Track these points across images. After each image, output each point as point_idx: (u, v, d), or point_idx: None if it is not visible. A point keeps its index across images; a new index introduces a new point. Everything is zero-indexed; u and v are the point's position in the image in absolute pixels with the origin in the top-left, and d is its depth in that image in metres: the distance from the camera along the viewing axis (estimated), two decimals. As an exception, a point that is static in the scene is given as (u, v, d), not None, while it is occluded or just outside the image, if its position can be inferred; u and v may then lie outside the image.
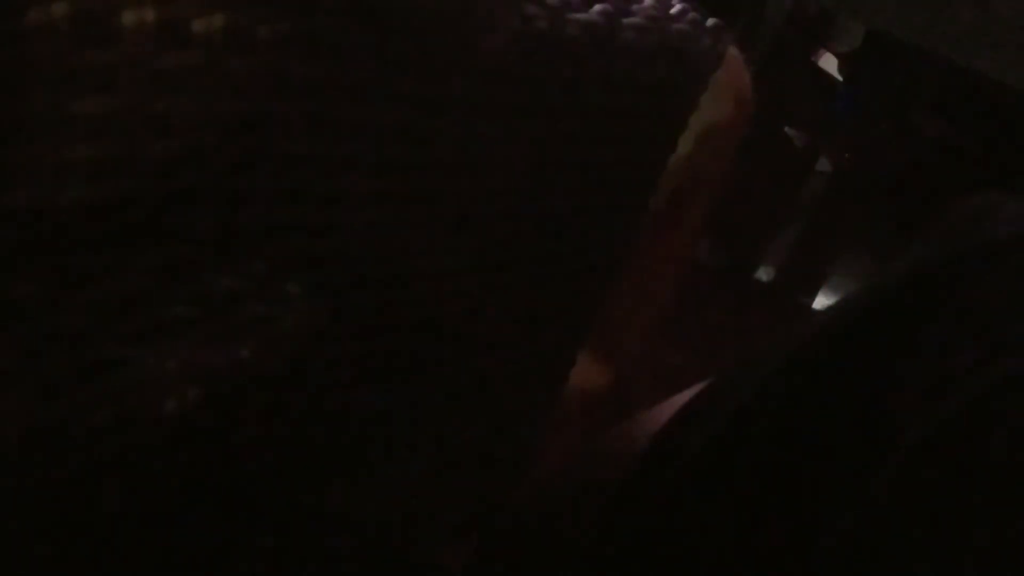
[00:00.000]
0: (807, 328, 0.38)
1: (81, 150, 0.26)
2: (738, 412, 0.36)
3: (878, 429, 0.31)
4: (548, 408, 0.52)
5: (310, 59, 0.30)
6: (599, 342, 0.55)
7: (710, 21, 0.46)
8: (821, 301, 2.05)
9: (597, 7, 0.40)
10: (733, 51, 0.52)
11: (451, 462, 0.45)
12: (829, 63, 1.83)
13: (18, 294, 0.23)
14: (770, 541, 0.31)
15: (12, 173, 0.24)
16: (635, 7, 0.42)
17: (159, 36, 0.26)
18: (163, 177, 0.27)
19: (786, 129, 1.86)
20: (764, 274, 2.04)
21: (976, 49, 1.36)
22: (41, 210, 0.25)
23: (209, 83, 0.28)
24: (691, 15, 0.45)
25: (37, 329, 0.23)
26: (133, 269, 0.26)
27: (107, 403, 0.24)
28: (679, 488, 0.37)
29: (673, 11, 0.44)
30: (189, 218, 0.27)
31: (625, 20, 0.41)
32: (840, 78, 1.82)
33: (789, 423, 0.33)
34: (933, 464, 0.29)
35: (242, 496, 0.31)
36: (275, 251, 0.29)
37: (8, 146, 0.24)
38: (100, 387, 0.24)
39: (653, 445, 0.41)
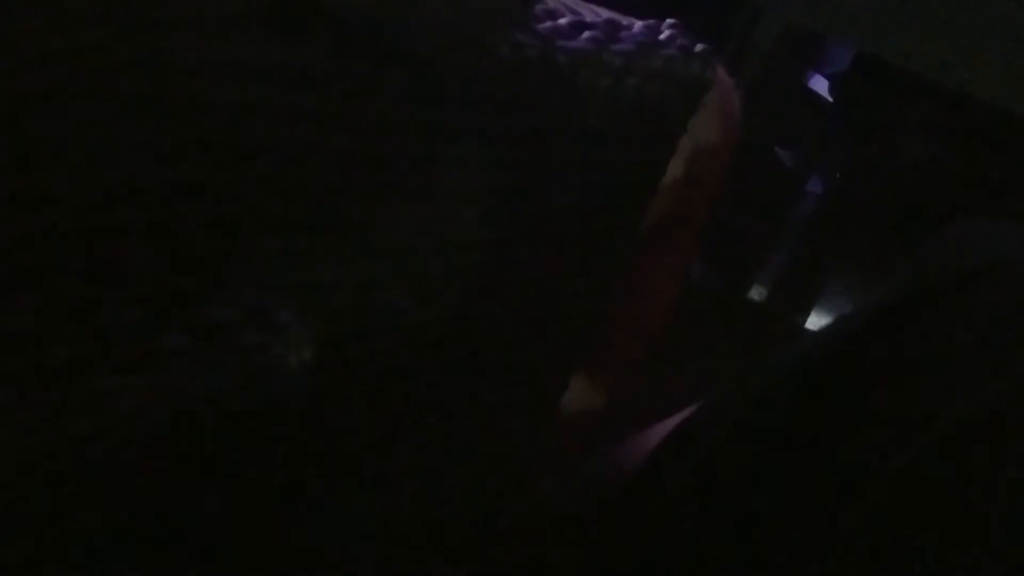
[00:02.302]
0: (790, 354, 0.38)
1: (75, 179, 0.26)
2: (724, 437, 0.37)
3: (854, 462, 0.31)
4: (540, 432, 0.52)
5: (303, 89, 0.30)
6: (591, 365, 0.55)
7: (699, 47, 0.47)
8: (815, 320, 2.06)
9: (586, 34, 0.40)
10: (722, 75, 0.52)
11: (444, 486, 0.45)
12: (819, 84, 1.84)
13: (11, 326, 0.23)
14: (755, 560, 0.32)
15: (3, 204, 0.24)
16: (624, 34, 0.43)
17: (150, 67, 0.26)
18: (158, 207, 0.27)
19: (777, 150, 1.87)
20: (757, 294, 2.05)
21: (966, 71, 1.37)
22: (32, 240, 0.25)
23: (203, 113, 0.28)
24: (680, 41, 0.45)
25: (29, 361, 0.24)
26: (126, 299, 0.26)
27: (98, 434, 0.24)
28: (666, 510, 0.37)
29: (662, 37, 0.45)
30: (182, 247, 0.28)
31: (614, 47, 0.41)
32: (830, 99, 1.83)
33: (771, 451, 0.34)
34: (909, 497, 0.29)
35: (233, 525, 0.31)
36: (267, 280, 0.30)
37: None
38: (92, 418, 0.24)
39: (642, 468, 0.41)
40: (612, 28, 0.42)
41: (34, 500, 0.24)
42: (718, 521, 0.34)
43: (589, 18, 0.42)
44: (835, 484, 0.31)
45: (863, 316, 0.35)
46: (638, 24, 0.45)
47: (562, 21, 0.40)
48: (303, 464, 0.34)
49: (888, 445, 0.31)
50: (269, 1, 0.29)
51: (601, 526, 0.43)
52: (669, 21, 0.46)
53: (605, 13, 0.45)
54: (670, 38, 0.45)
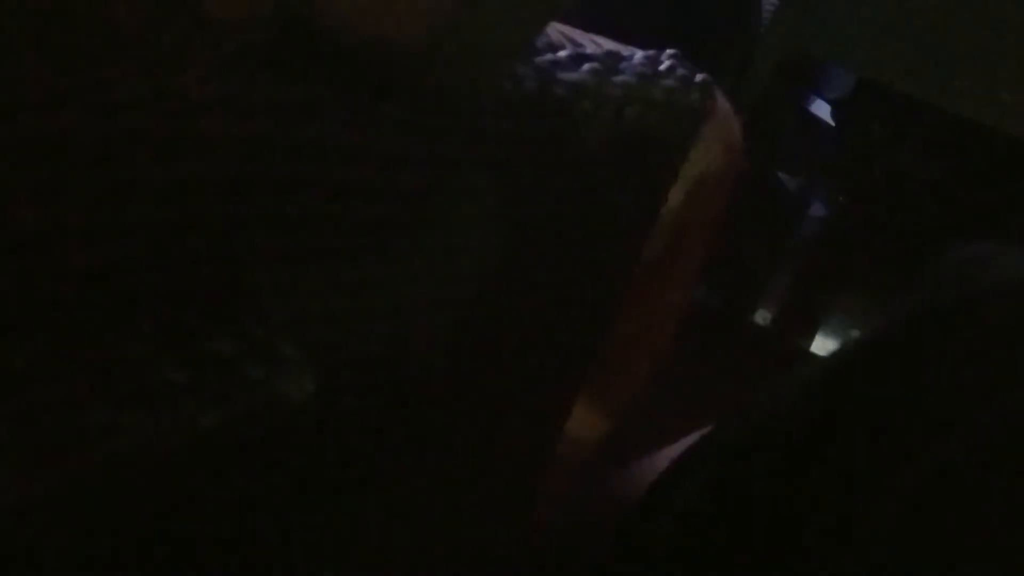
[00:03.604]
0: (802, 377, 0.38)
1: (78, 215, 0.26)
2: (734, 460, 0.37)
3: (869, 481, 0.31)
4: (543, 459, 0.52)
5: (304, 123, 0.30)
6: (594, 391, 0.55)
7: (699, 76, 0.47)
8: (819, 344, 2.05)
9: (586, 66, 0.41)
10: (723, 102, 0.52)
11: (446, 517, 0.45)
12: (821, 109, 1.85)
13: (14, 362, 0.24)
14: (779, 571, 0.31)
15: (5, 243, 0.24)
16: (624, 65, 0.43)
17: (152, 105, 0.27)
18: (160, 241, 0.28)
19: (779, 174, 1.88)
20: (761, 317, 2.04)
21: (966, 94, 1.37)
22: (34, 276, 0.25)
23: (205, 148, 0.28)
24: (680, 71, 0.46)
25: (31, 397, 0.24)
26: (129, 334, 0.26)
27: (100, 470, 0.24)
28: (675, 535, 0.37)
29: (662, 68, 0.45)
30: (186, 282, 0.28)
31: (614, 79, 0.41)
32: (832, 123, 1.84)
33: (783, 474, 0.34)
34: (931, 511, 0.29)
35: (236, 560, 0.31)
36: (270, 313, 0.30)
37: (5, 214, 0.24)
38: (93, 453, 0.24)
39: (656, 488, 0.41)
40: (612, 59, 0.42)
41: (37, 536, 0.24)
42: (740, 536, 0.34)
43: (590, 49, 0.42)
44: (857, 498, 0.31)
45: (875, 335, 0.35)
46: (638, 54, 0.45)
47: (562, 53, 0.40)
48: (306, 497, 0.35)
49: (905, 459, 0.31)
50: (269, 37, 0.29)
51: (607, 550, 0.43)
52: (669, 51, 0.47)
53: (606, 44, 0.46)
54: (670, 68, 0.46)
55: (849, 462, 0.32)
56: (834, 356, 0.37)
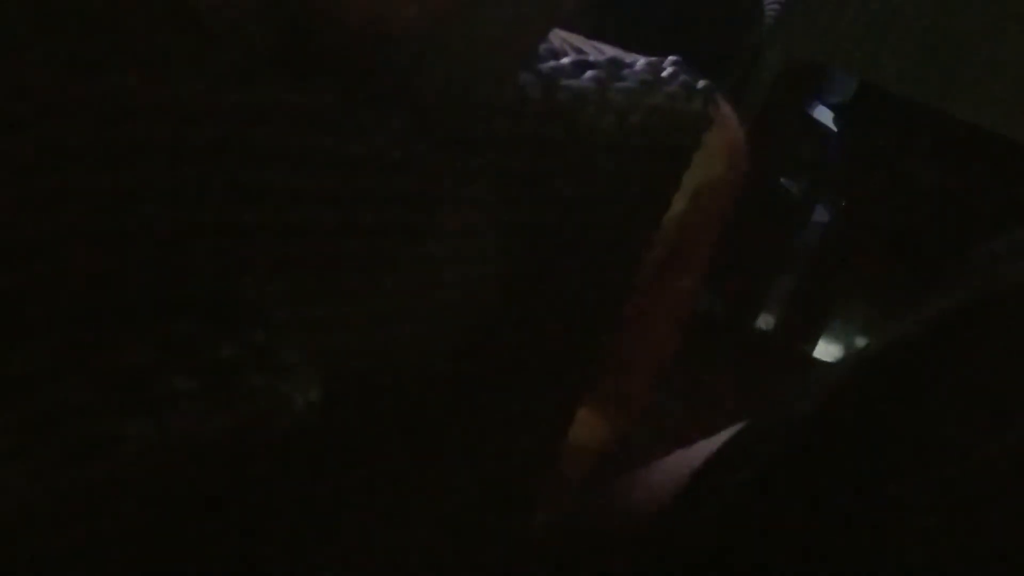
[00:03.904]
0: (838, 370, 0.38)
1: (84, 224, 0.26)
2: (786, 444, 0.36)
3: (923, 463, 0.31)
4: (547, 465, 0.52)
5: (309, 131, 0.31)
6: (598, 397, 0.55)
7: (701, 83, 0.47)
8: (822, 349, 2.05)
9: (589, 73, 0.41)
10: (726, 108, 0.52)
11: (450, 521, 0.45)
12: (823, 114, 1.85)
13: (21, 370, 0.24)
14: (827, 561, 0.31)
15: (14, 251, 0.24)
16: (627, 72, 0.43)
17: (155, 112, 0.27)
18: (165, 249, 0.28)
19: (782, 179, 1.88)
20: (764, 323, 2.05)
21: (969, 100, 1.38)
22: (40, 284, 0.25)
23: (211, 155, 0.28)
24: (682, 78, 0.46)
25: (38, 405, 0.24)
26: (136, 342, 0.26)
27: (105, 477, 0.24)
28: (726, 519, 0.36)
29: (664, 74, 0.45)
30: (192, 289, 0.28)
31: (617, 85, 0.42)
32: (835, 129, 1.84)
33: (836, 455, 0.33)
34: (984, 498, 0.29)
35: (240, 567, 0.31)
36: (274, 321, 0.30)
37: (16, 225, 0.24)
38: (99, 462, 0.24)
39: (691, 484, 0.40)
40: (615, 66, 0.42)
41: (44, 543, 0.24)
42: (785, 527, 0.34)
43: (592, 56, 0.43)
44: (907, 484, 0.31)
45: (923, 322, 0.35)
46: (641, 61, 0.45)
47: (565, 60, 0.40)
48: (310, 502, 0.35)
49: (954, 447, 0.30)
50: (275, 46, 0.29)
51: (649, 542, 0.43)
52: (672, 58, 0.47)
53: (609, 50, 0.46)
54: (673, 75, 0.46)
55: (906, 441, 0.31)
56: (884, 338, 0.36)
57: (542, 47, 0.40)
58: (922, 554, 0.28)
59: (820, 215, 1.98)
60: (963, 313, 0.33)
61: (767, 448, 0.37)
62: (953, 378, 0.31)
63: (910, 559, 0.29)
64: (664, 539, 0.41)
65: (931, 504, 0.29)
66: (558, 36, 0.43)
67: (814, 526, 0.32)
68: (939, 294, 0.34)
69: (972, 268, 0.34)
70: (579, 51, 0.43)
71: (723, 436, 0.44)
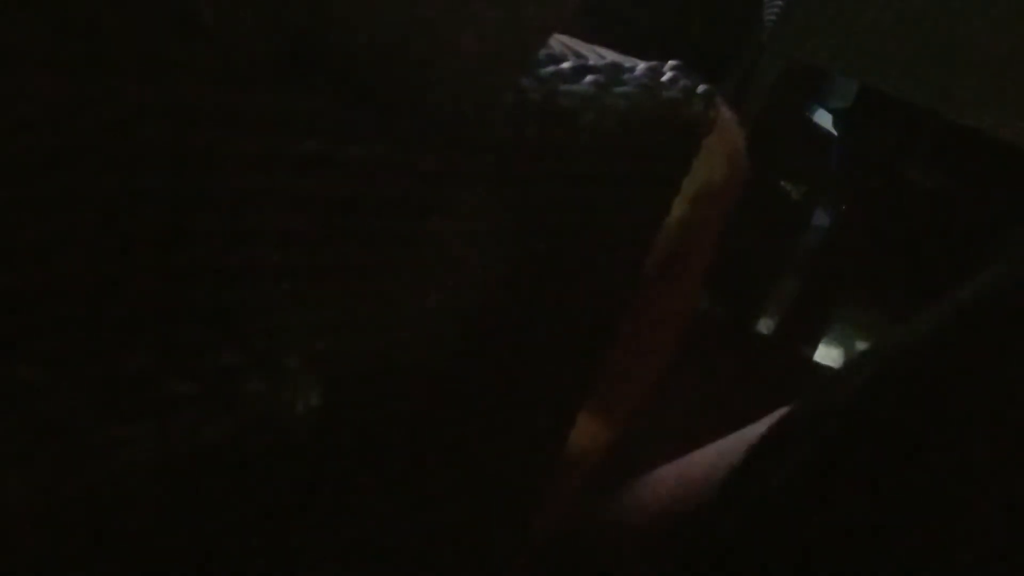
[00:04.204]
0: (889, 350, 0.37)
1: (85, 228, 0.26)
2: (830, 431, 0.36)
3: (976, 442, 0.30)
4: (547, 470, 0.52)
5: (312, 136, 0.31)
6: (599, 401, 0.55)
7: (701, 87, 0.47)
8: (822, 353, 2.05)
9: (589, 78, 0.41)
10: (726, 113, 0.52)
11: (450, 526, 0.45)
12: (823, 118, 1.85)
13: (22, 377, 0.24)
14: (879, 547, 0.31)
15: (15, 255, 0.24)
16: (627, 76, 0.43)
17: (158, 116, 0.27)
18: (165, 254, 0.28)
19: (782, 183, 1.88)
20: (765, 326, 2.04)
21: (971, 104, 1.37)
22: (41, 290, 0.25)
23: (212, 160, 0.28)
24: (683, 82, 0.46)
25: (39, 409, 0.24)
26: (135, 347, 0.26)
27: (106, 483, 0.24)
28: (772, 510, 0.36)
29: (664, 79, 0.45)
30: (191, 295, 0.28)
31: (617, 89, 0.42)
32: (835, 133, 1.84)
33: (882, 441, 0.33)
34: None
35: (240, 571, 0.31)
36: (274, 326, 0.30)
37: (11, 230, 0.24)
38: (99, 466, 0.24)
39: (730, 479, 0.39)
40: (615, 71, 0.42)
41: (45, 548, 0.24)
42: (833, 514, 0.34)
43: (593, 61, 0.43)
44: (961, 470, 0.30)
45: (967, 306, 0.34)
46: (641, 66, 0.45)
47: (565, 65, 0.40)
48: (310, 508, 0.35)
49: (1010, 426, 0.30)
50: (277, 50, 0.29)
51: (687, 540, 0.43)
52: (672, 62, 0.47)
53: (609, 55, 0.46)
54: (673, 79, 0.46)
55: (954, 423, 0.31)
56: (924, 323, 0.36)
57: (542, 52, 0.40)
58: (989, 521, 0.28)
59: (820, 219, 1.98)
60: (1014, 292, 0.32)
61: (818, 435, 0.37)
62: (1013, 351, 0.31)
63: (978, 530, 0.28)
64: (701, 536, 0.41)
65: (998, 469, 0.28)
66: (558, 41, 0.43)
67: (875, 508, 0.31)
68: (980, 277, 0.34)
69: (1014, 248, 0.34)
70: (579, 55, 0.43)
71: (722, 439, 0.44)
